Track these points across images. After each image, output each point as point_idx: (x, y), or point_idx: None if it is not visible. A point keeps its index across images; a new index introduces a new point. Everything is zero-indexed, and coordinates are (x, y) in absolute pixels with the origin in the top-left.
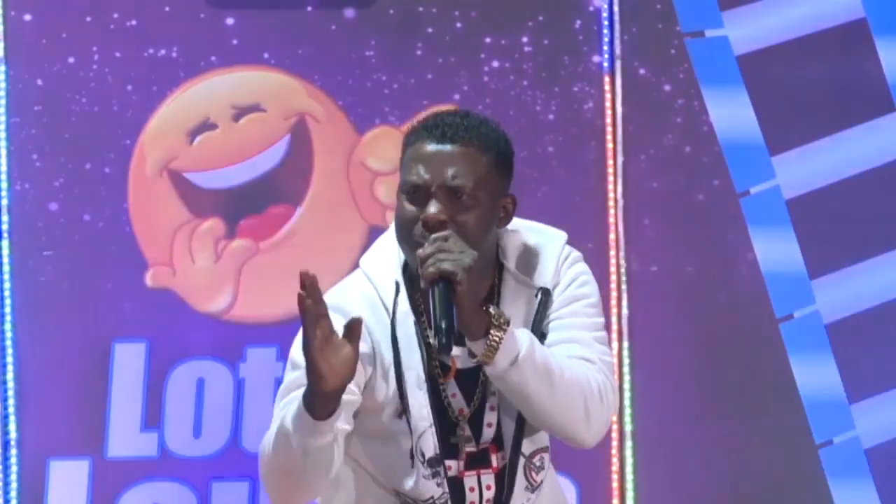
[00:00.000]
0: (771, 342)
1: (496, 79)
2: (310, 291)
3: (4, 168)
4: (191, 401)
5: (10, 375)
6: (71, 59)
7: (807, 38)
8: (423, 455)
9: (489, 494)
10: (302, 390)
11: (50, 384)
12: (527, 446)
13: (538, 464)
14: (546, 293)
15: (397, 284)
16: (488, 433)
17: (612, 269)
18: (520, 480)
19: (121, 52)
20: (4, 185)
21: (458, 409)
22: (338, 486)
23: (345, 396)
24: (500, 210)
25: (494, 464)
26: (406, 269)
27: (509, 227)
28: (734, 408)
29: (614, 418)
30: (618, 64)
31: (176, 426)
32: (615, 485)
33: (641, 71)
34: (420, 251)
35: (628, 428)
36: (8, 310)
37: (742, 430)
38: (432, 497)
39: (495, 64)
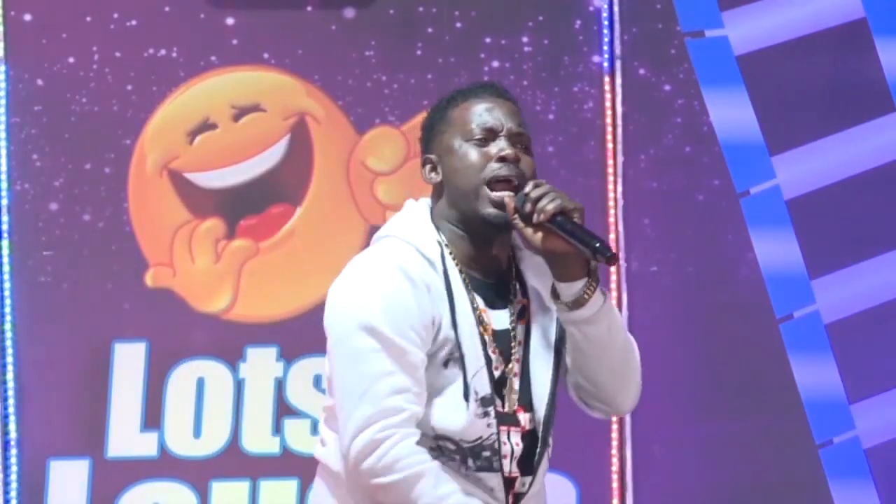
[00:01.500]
0: (771, 342)
1: (496, 79)
2: None
3: (4, 168)
4: (191, 401)
5: (10, 375)
6: (71, 59)
7: (807, 38)
8: (476, 393)
9: (519, 451)
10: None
11: (50, 384)
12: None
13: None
14: None
15: (439, 243)
16: (512, 397)
17: (612, 269)
18: (548, 445)
19: (121, 52)
20: (4, 185)
21: (493, 364)
22: None
23: (416, 365)
24: None
25: (522, 423)
26: (441, 231)
27: None
28: (734, 408)
29: (614, 418)
30: (618, 64)
31: (176, 426)
32: (615, 485)
33: (641, 71)
34: (530, 191)
35: (628, 428)
36: (8, 310)
37: (742, 430)
38: (480, 437)
39: (495, 64)
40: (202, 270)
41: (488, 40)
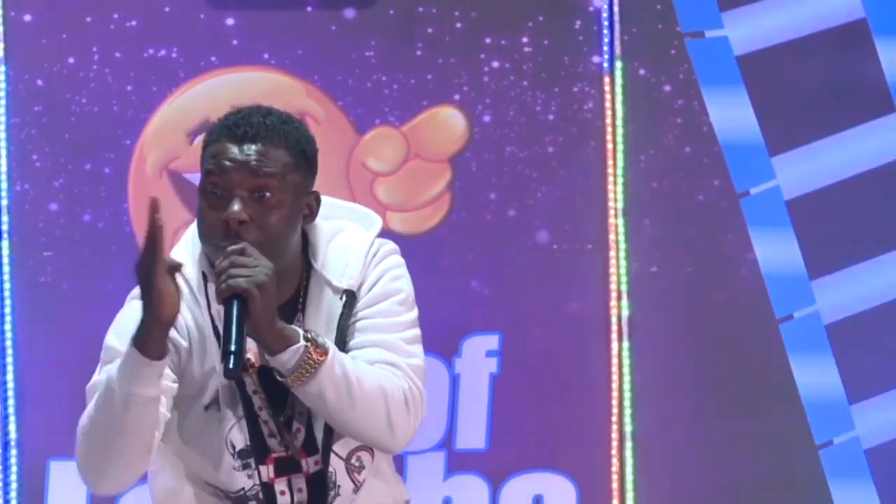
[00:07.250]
0: (771, 342)
1: (496, 79)
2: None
3: (4, 168)
4: None
5: (10, 375)
6: (71, 59)
7: (807, 38)
8: (232, 447)
9: (301, 497)
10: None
11: (50, 384)
12: (341, 448)
13: (356, 464)
14: (351, 295)
15: (205, 275)
16: (297, 439)
17: (612, 269)
18: (344, 482)
19: (121, 52)
20: (4, 185)
21: (257, 406)
22: (156, 478)
23: (164, 382)
24: (305, 208)
25: (305, 468)
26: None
27: (322, 221)
28: (734, 408)
29: (614, 418)
30: (618, 64)
31: None
32: (615, 485)
33: (641, 71)
34: (216, 264)
35: (628, 428)
36: (8, 310)
37: (742, 430)
38: (243, 489)
39: (495, 64)
40: None
41: (488, 40)
